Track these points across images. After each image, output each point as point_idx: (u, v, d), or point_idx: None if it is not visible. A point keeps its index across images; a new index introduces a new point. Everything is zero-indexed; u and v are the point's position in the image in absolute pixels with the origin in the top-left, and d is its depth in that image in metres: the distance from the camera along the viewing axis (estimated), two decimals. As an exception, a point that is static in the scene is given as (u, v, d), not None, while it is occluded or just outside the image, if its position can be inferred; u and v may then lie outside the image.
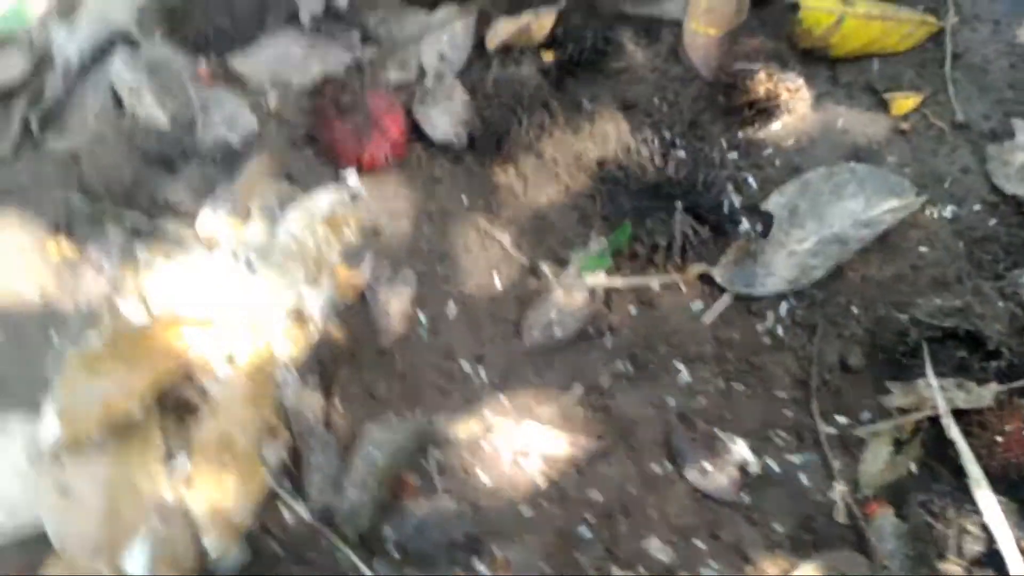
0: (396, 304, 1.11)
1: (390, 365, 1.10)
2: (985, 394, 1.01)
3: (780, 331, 1.13)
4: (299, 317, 0.99)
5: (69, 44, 1.24)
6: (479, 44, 1.28)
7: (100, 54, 1.26)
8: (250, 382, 0.95)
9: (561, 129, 1.24)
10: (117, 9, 1.29)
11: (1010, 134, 1.20)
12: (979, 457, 0.99)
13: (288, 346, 0.98)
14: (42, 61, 1.24)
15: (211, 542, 0.89)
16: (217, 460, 0.93)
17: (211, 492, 0.91)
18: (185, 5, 1.26)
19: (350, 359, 1.09)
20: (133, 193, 1.16)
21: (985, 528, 0.95)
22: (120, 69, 1.23)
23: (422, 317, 1.13)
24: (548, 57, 1.25)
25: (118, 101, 1.22)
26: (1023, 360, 1.03)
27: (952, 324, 1.04)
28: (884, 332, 1.10)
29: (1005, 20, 1.28)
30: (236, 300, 1.00)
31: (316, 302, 1.00)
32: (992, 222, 1.18)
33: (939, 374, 1.05)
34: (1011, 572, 0.92)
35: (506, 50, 1.25)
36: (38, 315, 1.11)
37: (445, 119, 1.23)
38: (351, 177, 1.09)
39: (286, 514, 1.00)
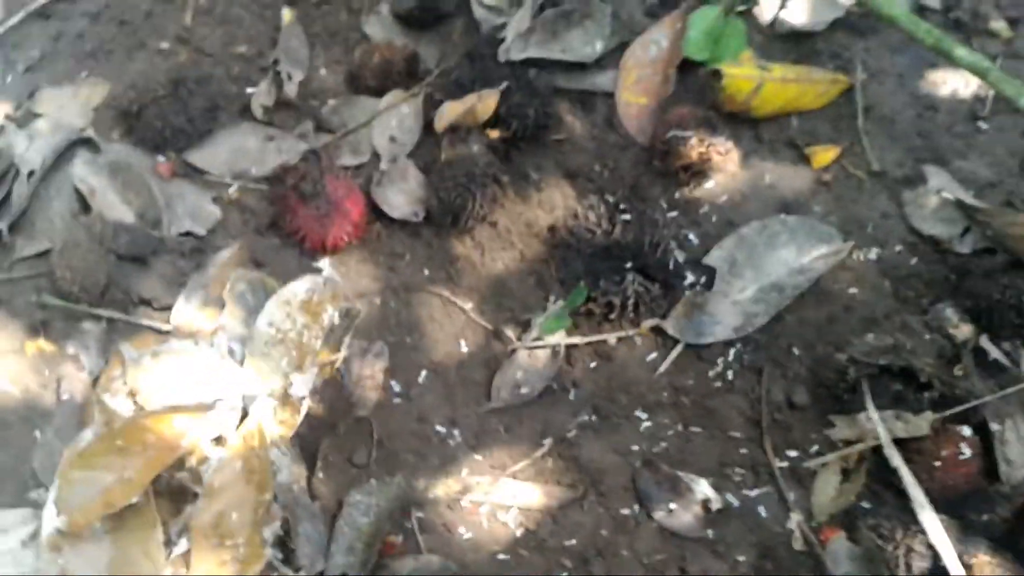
0: (370, 375, 1.18)
1: (368, 433, 1.18)
2: (922, 423, 1.11)
3: (730, 375, 1.22)
4: (286, 400, 1.06)
5: (30, 151, 1.30)
6: (427, 125, 1.37)
7: (61, 158, 1.32)
8: (243, 464, 1.01)
9: (512, 200, 1.33)
10: (73, 115, 1.36)
11: (923, 179, 1.32)
12: (920, 481, 1.09)
13: (278, 428, 1.04)
14: (4, 169, 1.29)
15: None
16: (215, 539, 0.98)
17: (209, 567, 0.97)
18: (139, 107, 1.33)
19: (330, 431, 1.16)
20: (107, 290, 1.22)
21: (930, 546, 1.04)
22: (82, 172, 1.29)
23: (396, 385, 1.21)
24: (493, 134, 1.34)
25: (83, 203, 1.28)
26: (953, 390, 1.13)
27: (886, 361, 1.15)
28: (825, 371, 1.20)
29: (908, 73, 1.41)
30: (225, 388, 1.06)
31: (303, 386, 1.06)
32: (913, 260, 1.29)
33: (878, 407, 1.15)
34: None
35: (453, 130, 1.34)
36: (21, 411, 1.17)
37: (402, 198, 1.32)
38: (324, 264, 1.16)
39: (281, 585, 1.06)
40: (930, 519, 1.05)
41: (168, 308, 1.22)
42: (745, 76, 1.34)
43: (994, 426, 1.10)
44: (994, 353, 1.17)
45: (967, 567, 1.01)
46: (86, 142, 1.34)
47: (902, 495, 1.10)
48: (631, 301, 1.23)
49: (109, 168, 1.30)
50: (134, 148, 1.34)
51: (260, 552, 0.96)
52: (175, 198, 1.31)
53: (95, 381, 1.15)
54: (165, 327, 1.21)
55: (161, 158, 1.34)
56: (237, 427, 1.03)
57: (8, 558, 1.03)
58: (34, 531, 1.02)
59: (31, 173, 1.28)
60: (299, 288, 1.10)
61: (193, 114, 1.35)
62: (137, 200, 1.29)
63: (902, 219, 1.32)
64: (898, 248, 1.30)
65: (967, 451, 1.09)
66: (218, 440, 1.03)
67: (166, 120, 1.33)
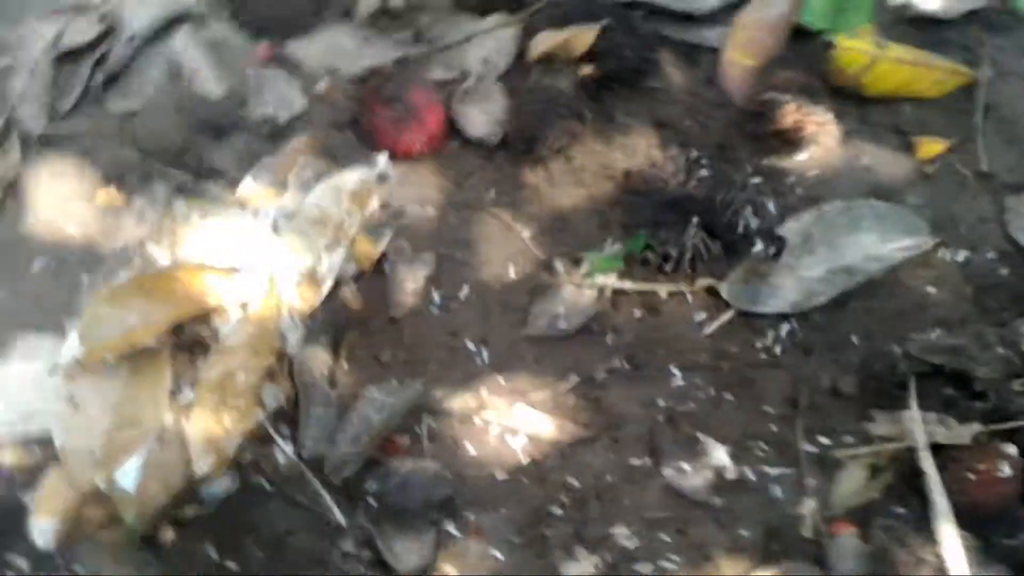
0: (411, 280, 1.20)
1: (398, 335, 1.19)
2: (965, 432, 1.05)
3: (778, 350, 1.18)
4: (312, 278, 1.08)
5: (138, 14, 1.36)
6: (522, 53, 1.37)
7: (166, 26, 1.38)
8: (257, 329, 1.04)
9: (592, 138, 1.32)
10: (188, -12, 1.42)
11: (1032, 188, 1.25)
12: (949, 492, 1.03)
13: (298, 302, 1.07)
14: (111, 28, 1.36)
15: (200, 465, 0.98)
16: (218, 394, 1.01)
17: (207, 422, 1.00)
18: (251, -9, 1.38)
19: (361, 325, 1.18)
20: (182, 155, 1.27)
21: (940, 559, 0.99)
22: (182, 43, 1.35)
23: (435, 295, 1.21)
24: (586, 71, 1.33)
25: (177, 72, 1.33)
26: (1008, 404, 1.07)
27: (942, 361, 1.09)
28: (878, 362, 1.15)
29: (1042, 79, 1.34)
30: (259, 256, 1.09)
31: (330, 266, 1.08)
32: (1003, 271, 1.22)
33: (925, 408, 1.09)
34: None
35: (547, 60, 1.34)
36: (78, 252, 1.23)
37: (482, 118, 1.32)
38: (381, 159, 1.17)
39: (279, 457, 1.08)
40: (948, 532, 1.00)
41: (237, 182, 1.26)
42: (860, 50, 1.29)
43: (1042, 450, 1.03)
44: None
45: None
46: (194, 16, 1.38)
47: (927, 503, 1.04)
48: (688, 255, 1.20)
49: (208, 44, 1.35)
50: (237, 30, 1.38)
51: (255, 411, 0.98)
52: (265, 83, 1.34)
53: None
54: (230, 198, 1.25)
55: (261, 44, 1.38)
56: (262, 294, 1.05)
57: (32, 381, 1.08)
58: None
59: (132, 37, 1.33)
60: (351, 176, 1.12)
61: (300, 6, 1.38)
62: (228, 78, 1.33)
63: (1000, 226, 1.25)
64: (990, 254, 1.23)
65: (1007, 470, 1.03)
66: (244, 307, 1.06)
67: (274, 8, 1.38)
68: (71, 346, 1.03)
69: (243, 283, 1.06)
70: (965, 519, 1.02)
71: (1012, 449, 1.04)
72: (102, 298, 1.04)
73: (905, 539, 1.02)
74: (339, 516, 1.06)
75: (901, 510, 1.07)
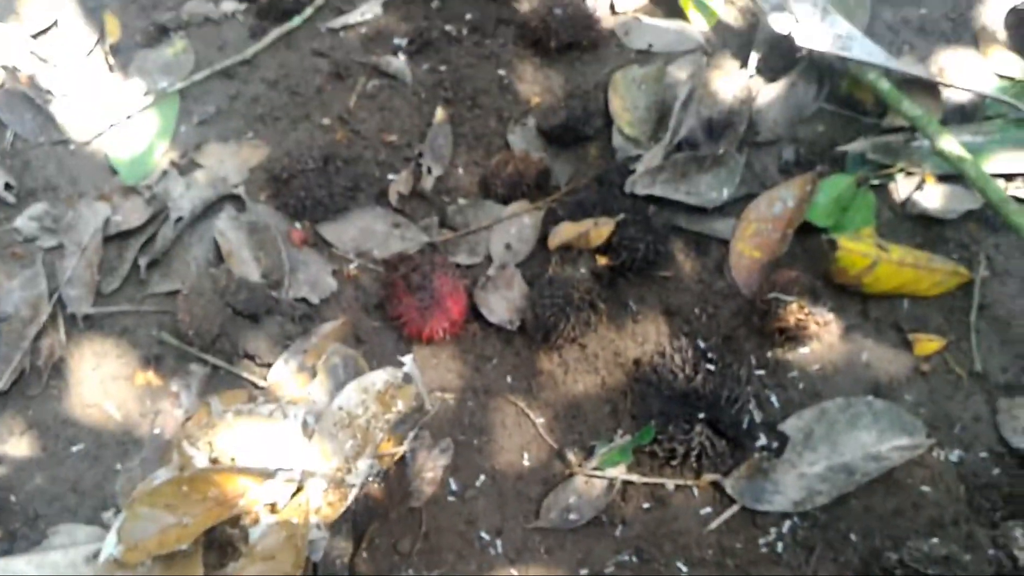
0: (431, 469, 1.27)
1: (417, 525, 1.26)
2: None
3: (780, 547, 1.25)
4: (340, 484, 1.15)
5: (184, 198, 1.46)
6: (543, 239, 1.46)
7: (209, 209, 1.48)
8: (286, 536, 1.11)
9: (605, 325, 1.40)
10: (230, 171, 1.52)
11: (1024, 390, 1.32)
12: None
13: (325, 508, 1.14)
14: (159, 210, 1.46)
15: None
16: (247, 596, 1.08)
17: (237, 624, 1.07)
18: (289, 174, 1.48)
19: (383, 515, 1.25)
20: (218, 340, 1.35)
21: None
22: (224, 225, 1.44)
23: (453, 484, 1.29)
24: (603, 261, 1.42)
25: (218, 254, 1.43)
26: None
27: (936, 572, 1.15)
28: (875, 565, 1.21)
29: (1035, 278, 1.42)
30: (289, 459, 1.17)
31: (358, 473, 1.16)
32: (995, 471, 1.29)
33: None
34: None
35: (566, 249, 1.43)
36: (118, 435, 1.31)
37: (503, 304, 1.41)
38: (407, 360, 1.25)
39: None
40: None
41: (268, 365, 1.35)
42: (861, 252, 1.37)
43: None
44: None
45: None
46: (235, 199, 1.49)
47: None
48: (695, 452, 1.27)
49: (248, 227, 1.44)
50: (275, 212, 1.48)
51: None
52: (300, 265, 1.44)
53: (186, 421, 1.28)
54: (261, 383, 1.33)
55: (297, 225, 1.47)
56: (291, 498, 1.13)
57: (70, 569, 1.15)
58: (97, 551, 1.15)
59: (179, 219, 1.43)
60: (378, 378, 1.20)
61: (335, 190, 1.48)
62: (266, 260, 1.42)
63: (993, 426, 1.32)
64: (983, 454, 1.30)
65: None
66: (272, 507, 1.13)
67: (310, 191, 1.47)
68: (110, 543, 1.10)
69: (273, 486, 1.13)
70: None
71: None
72: (142, 497, 1.11)
73: None
74: None
75: None
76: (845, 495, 1.27)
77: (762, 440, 1.32)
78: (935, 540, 1.21)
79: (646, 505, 1.28)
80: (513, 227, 1.49)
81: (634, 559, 1.24)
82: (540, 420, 1.34)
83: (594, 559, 1.24)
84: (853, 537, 1.25)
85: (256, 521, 1.12)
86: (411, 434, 1.20)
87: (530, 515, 1.28)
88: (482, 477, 1.30)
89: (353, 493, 1.13)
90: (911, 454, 1.28)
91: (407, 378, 1.20)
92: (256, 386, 1.34)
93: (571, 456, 1.31)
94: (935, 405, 1.34)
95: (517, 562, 1.24)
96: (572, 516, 1.26)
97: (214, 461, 1.15)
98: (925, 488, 1.28)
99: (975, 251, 1.44)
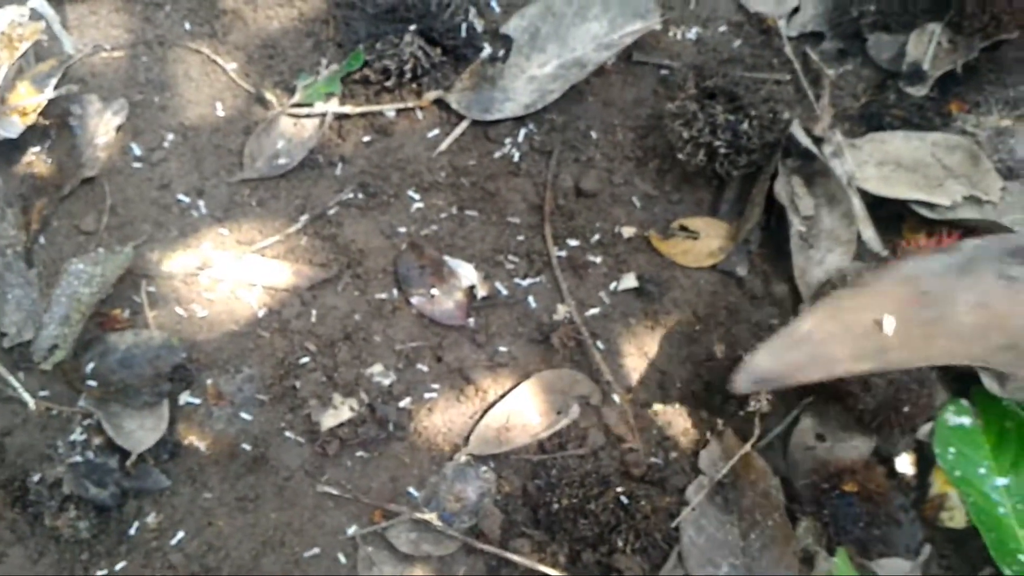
0: (103, 132, 1.10)
1: (99, 197, 1.10)
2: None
3: (517, 156, 1.16)
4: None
5: None
6: None
7: None
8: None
9: (290, -53, 1.23)
10: None
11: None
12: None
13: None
14: None
15: None
16: None
17: None
18: None
19: (53, 191, 1.08)
20: None
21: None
22: None
23: (136, 148, 1.13)
24: None
25: None
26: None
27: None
28: (620, 152, 1.15)
29: None
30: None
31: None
32: (736, 43, 1.23)
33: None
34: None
35: None
36: None
37: (163, -61, 1.20)
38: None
39: (-23, 351, 1.00)
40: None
41: None
42: None
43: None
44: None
45: None
46: None
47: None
48: (408, 66, 1.15)
49: None
50: None
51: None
52: None
53: None
54: None
55: None
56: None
57: None
58: None
59: None
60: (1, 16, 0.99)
61: None
62: None
63: (732, -2, 1.25)
64: (722, 28, 1.24)
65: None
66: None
67: None
68: None
69: None
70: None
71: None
72: None
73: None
74: (26, 396, 0.99)
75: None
76: (583, 92, 1.19)
77: (487, 50, 1.21)
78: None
79: (367, 138, 1.16)
80: None
81: (359, 195, 1.14)
82: (232, 66, 1.18)
83: (314, 201, 1.13)
84: (593, 134, 1.18)
85: None
86: (51, 82, 1.01)
87: (234, 168, 1.14)
88: (170, 136, 1.14)
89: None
90: (644, 33, 1.20)
91: (36, 16, 1.01)
92: None
93: (271, 97, 1.16)
94: (667, -15, 1.26)
95: (226, 220, 1.11)
96: (282, 160, 1.13)
97: None
98: (664, 72, 1.21)
99: None
